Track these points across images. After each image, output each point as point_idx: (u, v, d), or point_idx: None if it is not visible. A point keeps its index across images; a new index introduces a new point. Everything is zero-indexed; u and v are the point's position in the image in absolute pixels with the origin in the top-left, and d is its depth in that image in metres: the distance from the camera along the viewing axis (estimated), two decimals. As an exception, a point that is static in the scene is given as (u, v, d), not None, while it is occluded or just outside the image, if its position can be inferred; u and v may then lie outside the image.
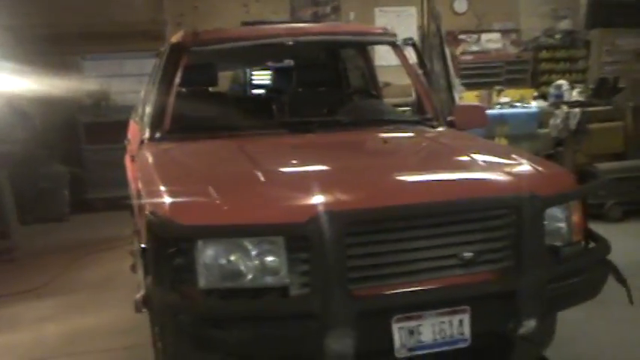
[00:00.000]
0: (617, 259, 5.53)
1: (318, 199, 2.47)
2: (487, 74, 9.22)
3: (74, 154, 8.41)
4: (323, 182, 2.71)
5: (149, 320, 3.04)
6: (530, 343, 3.11)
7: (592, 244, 2.99)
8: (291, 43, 4.12)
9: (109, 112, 8.47)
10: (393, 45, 4.28)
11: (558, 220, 2.76)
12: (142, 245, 2.75)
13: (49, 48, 8.27)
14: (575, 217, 2.83)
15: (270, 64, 6.43)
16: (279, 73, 6.43)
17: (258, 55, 5.13)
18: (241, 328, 2.33)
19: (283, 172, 2.87)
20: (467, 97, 8.39)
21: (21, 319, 4.66)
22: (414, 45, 4.36)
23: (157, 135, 3.58)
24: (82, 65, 8.97)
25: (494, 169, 2.85)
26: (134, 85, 7.25)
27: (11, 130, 7.44)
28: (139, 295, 2.91)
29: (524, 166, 2.89)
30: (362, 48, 4.93)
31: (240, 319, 2.36)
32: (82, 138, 8.49)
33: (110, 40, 8.66)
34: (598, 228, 6.71)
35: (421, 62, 4.36)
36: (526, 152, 3.87)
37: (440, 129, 3.84)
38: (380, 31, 4.55)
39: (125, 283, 4.80)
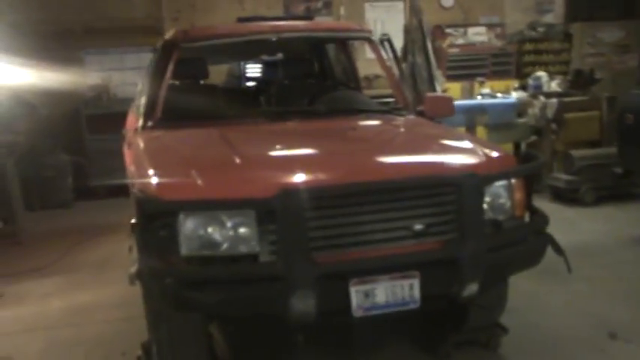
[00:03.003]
0: (586, 239, 5.96)
1: (284, 177, 2.84)
2: (473, 66, 9.48)
3: (77, 144, 8.72)
4: (291, 163, 3.09)
5: (142, 292, 3.39)
6: (482, 308, 3.51)
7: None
8: (274, 39, 4.48)
9: (109, 103, 8.79)
10: (369, 40, 4.64)
11: (501, 197, 3.09)
12: (132, 220, 3.11)
13: (53, 43, 8.64)
14: (517, 195, 3.15)
15: (259, 58, 6.77)
16: (267, 67, 6.78)
17: (245, 51, 5.49)
18: (217, 290, 2.69)
19: (257, 155, 3.22)
20: (452, 89, 8.72)
21: (27, 295, 5.03)
22: (388, 41, 4.70)
23: (150, 123, 3.94)
24: (84, 59, 9.27)
25: (443, 151, 3.22)
26: (133, 78, 7.54)
27: (17, 121, 7.75)
28: (132, 269, 3.29)
29: (470, 150, 3.25)
30: (342, 43, 5.29)
31: (216, 282, 2.71)
32: (84, 129, 8.82)
33: (110, 35, 9.01)
34: (572, 211, 7.14)
35: (395, 57, 4.70)
36: (479, 138, 4.22)
37: (409, 117, 4.20)
38: (357, 27, 4.91)
39: (123, 264, 5.04)
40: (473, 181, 2.88)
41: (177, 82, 4.55)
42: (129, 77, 8.74)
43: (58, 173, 8.21)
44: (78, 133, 8.79)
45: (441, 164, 3.11)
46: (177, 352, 3.07)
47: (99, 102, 8.95)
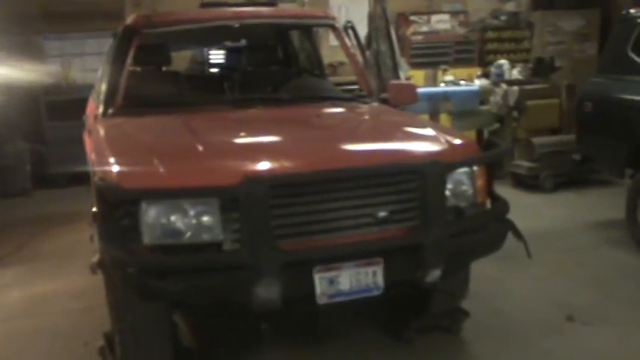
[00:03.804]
0: (547, 225, 6.07)
1: (247, 165, 2.83)
2: (436, 54, 9.56)
3: (36, 131, 8.55)
4: (254, 151, 3.08)
5: (104, 281, 3.35)
6: (445, 294, 3.56)
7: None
8: (237, 25, 4.44)
9: (70, 90, 8.62)
10: (333, 28, 4.63)
11: (463, 184, 3.13)
12: (93, 209, 3.07)
13: (10, 27, 8.39)
14: (480, 182, 3.19)
15: (223, 44, 6.70)
16: (230, 53, 6.73)
17: (208, 37, 5.43)
18: (181, 278, 2.67)
19: (220, 143, 3.20)
20: (416, 76, 8.77)
21: (-14, 286, 4.93)
22: (352, 28, 4.70)
23: (110, 111, 3.87)
24: (43, 45, 9.08)
25: (406, 139, 3.24)
26: (95, 64, 7.42)
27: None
28: (94, 259, 3.26)
29: (433, 137, 3.28)
30: (307, 30, 5.27)
31: (179, 271, 2.70)
32: (43, 116, 8.64)
33: (71, 19, 8.80)
34: (533, 197, 7.26)
35: (359, 44, 4.70)
36: (443, 126, 4.24)
37: (373, 105, 4.21)
38: (321, 14, 4.89)
39: (84, 253, 5.00)
40: (436, 168, 2.90)
41: (138, 69, 4.47)
42: (89, 63, 8.59)
43: (16, 161, 8.04)
44: (37, 121, 8.60)
45: (404, 152, 3.13)
46: (141, 341, 3.05)
47: (59, 88, 8.77)
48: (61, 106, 8.23)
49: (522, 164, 7.32)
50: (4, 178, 7.89)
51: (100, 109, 3.94)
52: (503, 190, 7.22)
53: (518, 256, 3.49)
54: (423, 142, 3.27)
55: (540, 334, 3.72)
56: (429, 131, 3.42)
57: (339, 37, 4.57)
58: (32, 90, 8.68)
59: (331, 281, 2.81)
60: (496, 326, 3.85)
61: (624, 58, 5.38)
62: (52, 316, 4.22)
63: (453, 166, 3.02)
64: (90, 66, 8.40)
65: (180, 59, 8.12)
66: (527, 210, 6.49)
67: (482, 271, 3.86)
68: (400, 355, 3.55)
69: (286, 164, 2.88)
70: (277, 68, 5.22)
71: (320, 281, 2.79)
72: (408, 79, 7.85)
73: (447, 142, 3.21)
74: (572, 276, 4.61)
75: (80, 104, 5.38)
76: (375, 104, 4.22)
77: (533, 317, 3.95)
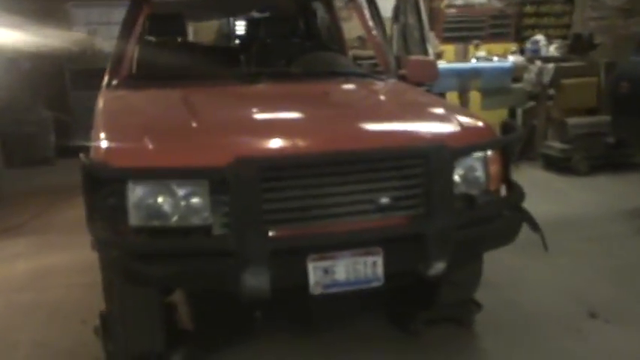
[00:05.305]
0: (575, 210, 5.80)
1: (239, 145, 2.66)
2: (471, 28, 9.21)
3: (61, 100, 8.49)
4: (250, 130, 2.90)
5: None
6: (454, 285, 3.36)
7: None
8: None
9: (95, 58, 8.53)
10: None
11: (475, 170, 2.90)
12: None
13: (36, -6, 8.35)
14: (493, 168, 2.95)
15: (241, 15, 6.51)
16: (251, 25, 6.51)
17: (223, 7, 5.25)
18: (167, 263, 2.53)
19: (216, 121, 3.01)
20: (448, 51, 8.47)
21: (-4, 255, 4.89)
22: (370, 1, 4.45)
23: (114, 82, 3.76)
24: (69, 12, 9.00)
25: (414, 120, 3.01)
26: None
27: (-4, 75, 7.58)
28: (95, 235, 3.13)
29: (445, 119, 3.05)
30: (326, 2, 5.04)
31: (165, 255, 2.56)
32: (68, 84, 8.58)
33: (99, -14, 8.74)
34: (564, 181, 6.98)
35: (378, 17, 4.45)
36: (458, 106, 3.98)
37: (388, 82, 3.99)
38: (338, -16, 4.65)
39: None
40: (442, 153, 2.68)
41: (147, 40, 4.32)
42: (116, 32, 8.42)
43: (39, 129, 8.00)
44: (62, 89, 8.54)
45: (410, 134, 2.90)
46: (130, 324, 2.95)
47: (84, 57, 8.68)
48: (86, 75, 8.12)
49: (554, 145, 7.02)
50: (27, 146, 7.85)
51: (105, 81, 3.82)
52: (534, 173, 7.07)
53: (539, 244, 3.22)
54: (432, 123, 3.03)
55: (559, 332, 3.49)
56: (441, 112, 3.18)
57: (356, 9, 4.34)
58: (57, 57, 8.62)
59: (326, 271, 2.64)
60: (511, 320, 3.64)
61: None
62: (54, 291, 4.14)
63: (462, 151, 2.80)
64: (116, 35, 8.28)
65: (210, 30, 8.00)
66: (557, 194, 6.24)
67: (499, 259, 3.62)
68: (405, 348, 3.36)
69: (280, 145, 2.70)
70: (294, 41, 5.01)
71: (314, 270, 2.61)
72: (438, 54, 7.58)
73: (459, 124, 2.97)
74: (598, 268, 4.35)
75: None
76: (392, 81, 4.00)
77: (552, 312, 3.72)
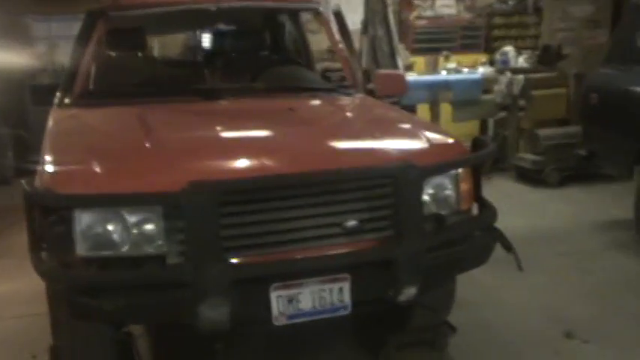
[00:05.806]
0: (549, 223, 5.71)
1: (195, 168, 2.48)
2: (441, 39, 9.16)
3: (21, 116, 8.24)
4: (208, 151, 2.73)
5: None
6: (427, 308, 3.21)
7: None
8: (213, 9, 4.07)
9: (56, 73, 8.30)
10: (317, 12, 4.26)
11: (445, 188, 2.77)
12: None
13: (-4, 7, 8.09)
14: (464, 186, 2.82)
15: (209, 28, 6.31)
16: (216, 38, 6.33)
17: (184, 21, 5.06)
18: (116, 296, 2.34)
19: (172, 141, 2.81)
20: (418, 63, 8.38)
21: (-55, 284, 4.61)
22: (338, 14, 4.32)
23: (67, 100, 3.57)
24: (30, 26, 8.77)
25: (381, 137, 2.85)
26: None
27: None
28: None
29: (413, 136, 2.92)
30: (292, 15, 4.90)
31: (115, 288, 2.37)
32: (27, 100, 8.30)
33: (59, 0, 8.49)
34: (536, 192, 6.91)
35: (344, 31, 4.32)
36: (427, 122, 3.86)
37: (355, 97, 3.85)
38: (304, -3, 4.50)
39: None
40: (411, 172, 2.53)
41: (103, 55, 4.12)
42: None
43: (-4, 147, 7.73)
44: (21, 105, 8.25)
45: (377, 153, 2.75)
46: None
47: (44, 72, 8.44)
48: (48, 90, 7.88)
49: (526, 157, 6.95)
50: (-17, 165, 7.58)
51: (57, 99, 3.63)
52: (506, 184, 6.97)
53: (514, 262, 3.11)
54: (400, 140, 2.89)
55: (533, 353, 3.38)
56: (409, 128, 3.06)
57: (323, 23, 4.21)
58: (16, 72, 8.35)
59: (290, 300, 2.47)
60: (486, 342, 3.51)
61: (633, 48, 4.98)
62: (4, 323, 3.91)
63: (431, 170, 2.65)
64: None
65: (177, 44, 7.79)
66: (530, 206, 6.16)
67: (473, 277, 3.47)
68: (376, 375, 3.21)
69: (240, 166, 2.53)
70: (260, 55, 4.85)
71: (277, 300, 2.45)
72: (408, 66, 7.49)
73: (428, 140, 2.84)
74: (574, 285, 4.24)
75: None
76: (359, 96, 3.86)
77: (529, 333, 3.59)
